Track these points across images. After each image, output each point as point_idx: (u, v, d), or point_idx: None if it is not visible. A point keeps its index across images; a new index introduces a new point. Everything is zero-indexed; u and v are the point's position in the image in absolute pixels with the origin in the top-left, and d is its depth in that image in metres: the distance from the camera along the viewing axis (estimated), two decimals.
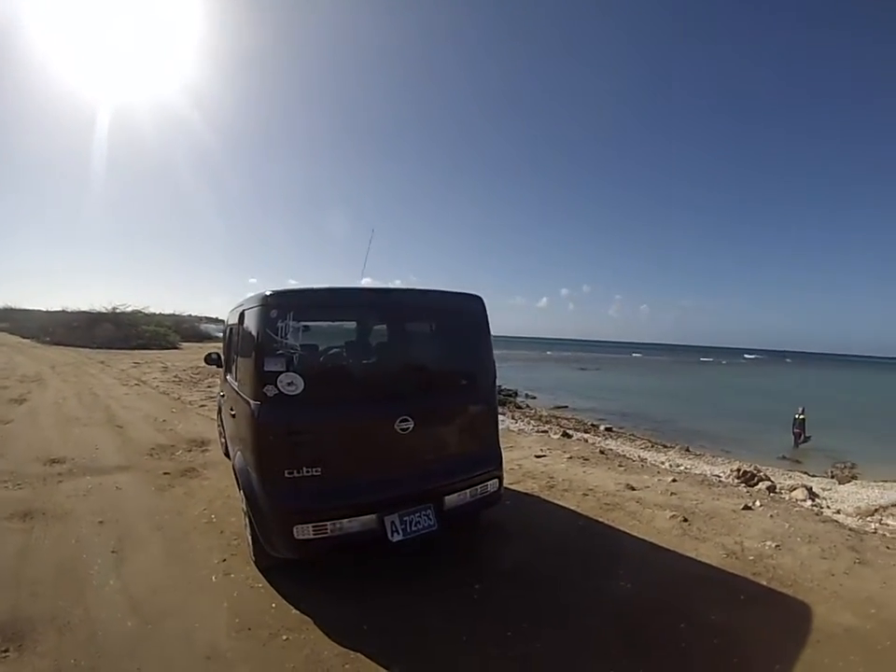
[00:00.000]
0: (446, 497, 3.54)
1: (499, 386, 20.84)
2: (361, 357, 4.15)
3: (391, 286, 4.18)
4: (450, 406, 3.78)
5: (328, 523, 3.13)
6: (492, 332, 3.96)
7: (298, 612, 3.08)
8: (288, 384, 3.10)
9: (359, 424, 3.37)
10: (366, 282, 4.79)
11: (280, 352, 3.12)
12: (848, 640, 2.94)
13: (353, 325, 4.34)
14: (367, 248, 4.95)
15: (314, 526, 3.10)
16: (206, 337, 36.72)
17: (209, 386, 12.74)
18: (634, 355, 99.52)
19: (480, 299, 3.95)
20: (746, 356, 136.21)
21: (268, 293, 3.26)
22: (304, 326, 3.25)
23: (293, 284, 3.96)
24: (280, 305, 3.19)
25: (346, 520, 3.17)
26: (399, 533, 3.27)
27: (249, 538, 3.61)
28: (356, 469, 3.32)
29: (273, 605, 3.16)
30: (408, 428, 3.35)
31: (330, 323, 4.37)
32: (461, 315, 3.96)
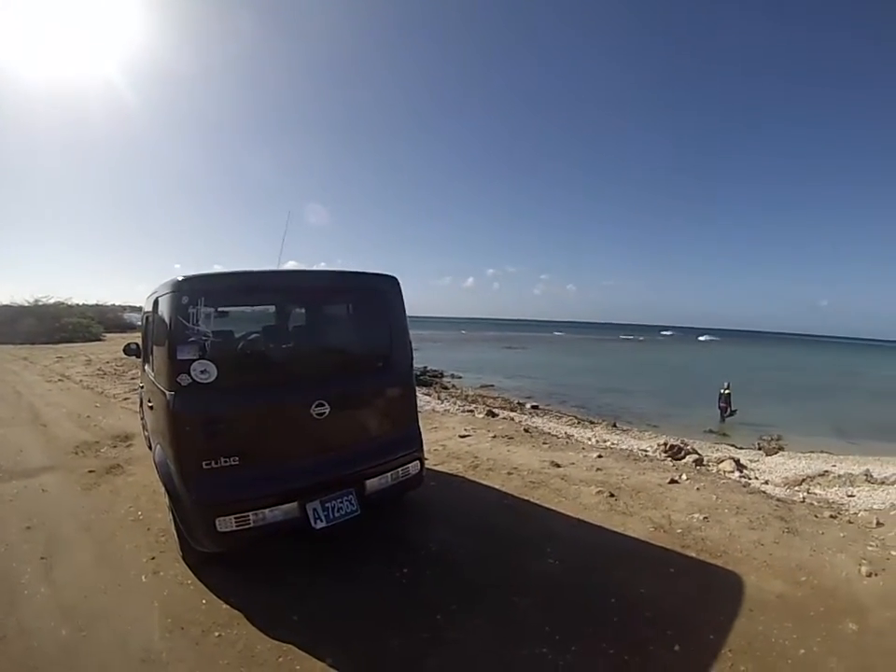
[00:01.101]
0: (367, 482, 3.54)
1: (425, 367, 20.48)
2: (276, 341, 4.06)
3: (316, 268, 4.15)
4: (366, 389, 3.76)
5: (249, 513, 3.08)
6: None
7: (228, 607, 3.05)
8: (202, 371, 3.01)
9: (275, 410, 3.32)
10: (291, 264, 4.77)
11: (193, 339, 3.01)
12: (781, 608, 3.01)
13: (269, 309, 4.26)
14: (284, 232, 4.94)
15: (236, 518, 3.05)
16: (130, 327, 34.81)
17: (132, 378, 12.25)
18: (556, 333, 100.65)
19: (395, 279, 3.91)
20: (662, 332, 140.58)
21: (179, 278, 3.13)
22: (218, 311, 3.17)
23: (218, 269, 3.86)
24: (192, 291, 3.07)
25: (268, 509, 3.14)
26: (322, 520, 3.26)
27: (175, 533, 3.52)
28: (274, 457, 3.28)
29: (204, 601, 3.12)
30: (324, 413, 3.33)
31: (250, 307, 4.27)
32: (377, 296, 3.91)
